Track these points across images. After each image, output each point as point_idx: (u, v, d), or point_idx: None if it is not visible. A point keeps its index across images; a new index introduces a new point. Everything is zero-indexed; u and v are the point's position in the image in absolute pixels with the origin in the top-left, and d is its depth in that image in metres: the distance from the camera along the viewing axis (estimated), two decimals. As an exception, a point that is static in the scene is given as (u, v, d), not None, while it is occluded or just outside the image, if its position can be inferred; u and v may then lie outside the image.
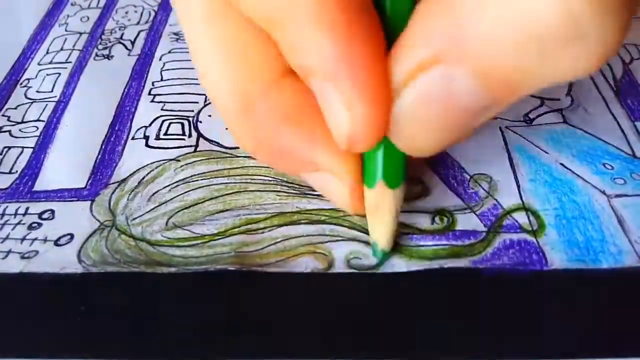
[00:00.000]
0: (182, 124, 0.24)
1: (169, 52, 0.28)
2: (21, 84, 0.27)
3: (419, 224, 0.20)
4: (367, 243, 0.19)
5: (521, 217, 0.20)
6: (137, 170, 0.22)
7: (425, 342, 0.17)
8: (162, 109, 0.25)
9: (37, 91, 0.26)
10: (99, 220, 0.20)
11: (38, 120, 0.25)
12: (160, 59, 0.28)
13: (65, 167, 0.23)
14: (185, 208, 0.21)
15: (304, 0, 0.13)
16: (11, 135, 0.24)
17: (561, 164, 0.21)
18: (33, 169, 0.23)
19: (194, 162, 0.22)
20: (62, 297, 0.18)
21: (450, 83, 0.13)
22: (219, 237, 0.20)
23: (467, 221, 0.20)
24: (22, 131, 0.24)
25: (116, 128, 0.24)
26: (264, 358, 0.17)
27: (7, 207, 0.21)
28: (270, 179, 0.22)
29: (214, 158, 0.23)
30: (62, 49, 0.29)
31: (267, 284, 0.18)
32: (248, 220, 0.20)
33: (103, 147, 0.23)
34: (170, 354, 0.17)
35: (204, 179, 0.22)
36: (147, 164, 0.22)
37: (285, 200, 0.21)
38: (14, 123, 0.25)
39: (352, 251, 0.19)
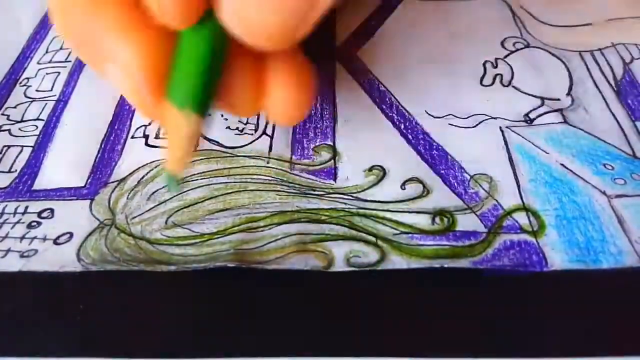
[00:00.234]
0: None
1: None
2: (21, 82, 0.27)
3: (419, 224, 0.20)
4: (367, 242, 0.19)
5: (521, 218, 0.20)
6: (137, 169, 0.22)
7: (425, 341, 0.17)
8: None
9: (37, 90, 0.26)
10: (98, 219, 0.20)
11: (37, 119, 0.25)
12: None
13: (65, 166, 0.23)
14: (185, 207, 0.21)
15: None
16: (11, 134, 0.24)
17: (561, 164, 0.21)
18: (32, 167, 0.23)
19: (193, 161, 0.22)
20: (61, 296, 0.18)
21: None
22: (219, 236, 0.20)
23: (467, 222, 0.20)
24: (21, 130, 0.24)
25: (115, 127, 0.24)
26: (264, 356, 0.16)
27: (6, 205, 0.21)
28: (270, 178, 0.22)
29: (213, 157, 0.23)
30: (61, 48, 0.29)
31: (266, 281, 0.18)
32: (248, 219, 0.20)
33: (102, 146, 0.23)
34: (169, 352, 0.17)
35: (204, 178, 0.22)
36: (147, 163, 0.22)
37: (285, 199, 0.21)
38: (13, 122, 0.25)
39: (352, 250, 0.19)
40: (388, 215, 0.20)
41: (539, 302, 0.17)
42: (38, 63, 0.28)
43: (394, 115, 0.24)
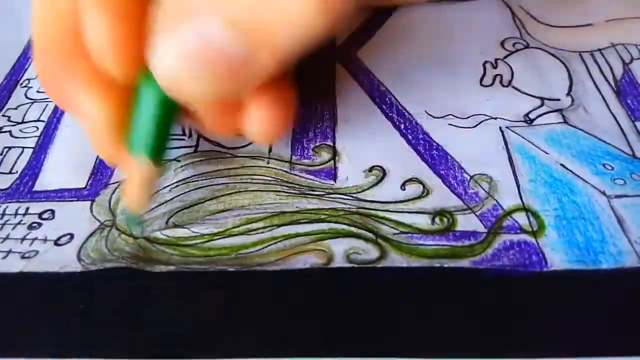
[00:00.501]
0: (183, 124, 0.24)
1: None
2: (21, 84, 0.27)
3: (419, 224, 0.20)
4: (366, 239, 0.19)
5: (521, 218, 0.20)
6: (137, 170, 0.22)
7: (425, 341, 0.17)
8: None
9: (38, 91, 0.26)
10: (99, 220, 0.21)
11: (38, 120, 0.25)
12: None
13: (66, 167, 0.23)
14: (186, 208, 0.21)
15: None
16: (11, 135, 0.24)
17: (561, 164, 0.21)
18: (33, 169, 0.23)
19: (194, 162, 0.22)
20: (62, 297, 0.18)
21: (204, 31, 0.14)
22: (219, 236, 0.20)
23: (467, 222, 0.20)
24: (22, 131, 0.24)
25: (116, 128, 0.24)
26: (264, 356, 0.17)
27: (7, 207, 0.21)
28: (270, 179, 0.22)
29: (214, 158, 0.23)
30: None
31: (266, 281, 0.18)
32: (248, 220, 0.20)
33: (103, 147, 0.23)
34: (169, 352, 0.17)
35: (205, 179, 0.22)
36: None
37: (285, 200, 0.21)
38: (14, 123, 0.25)
39: (351, 246, 0.19)
40: (388, 215, 0.20)
41: (538, 302, 0.17)
42: (39, 64, 0.28)
43: (393, 115, 0.24)
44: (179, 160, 0.22)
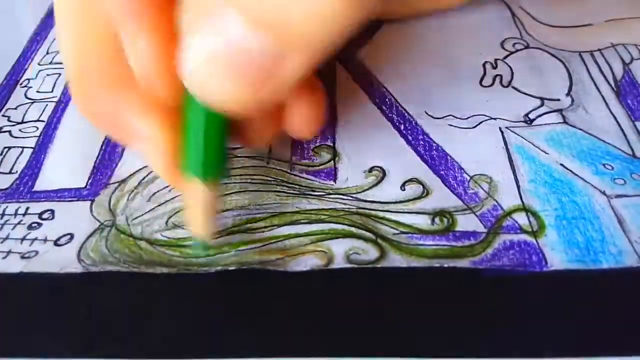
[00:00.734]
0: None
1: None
2: (21, 84, 0.27)
3: (419, 224, 0.20)
4: (366, 240, 0.19)
5: (521, 218, 0.20)
6: (137, 170, 0.22)
7: (425, 341, 0.17)
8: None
9: (37, 91, 0.26)
10: (99, 220, 0.21)
11: (38, 120, 0.25)
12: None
13: (65, 167, 0.23)
14: (185, 208, 0.21)
15: None
16: (11, 135, 0.24)
17: (561, 164, 0.21)
18: (33, 169, 0.23)
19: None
20: (62, 297, 0.18)
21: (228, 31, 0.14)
22: (219, 237, 0.20)
23: (467, 222, 0.20)
24: (22, 131, 0.24)
25: (116, 128, 0.24)
26: (264, 356, 0.17)
27: (7, 207, 0.21)
28: (270, 179, 0.22)
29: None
30: (62, 49, 0.29)
31: (266, 281, 0.18)
32: (248, 220, 0.20)
33: (103, 147, 0.23)
34: (170, 353, 0.17)
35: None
36: (147, 164, 0.22)
37: (285, 200, 0.21)
38: (14, 123, 0.25)
39: (351, 247, 0.19)
40: (388, 215, 0.20)
41: (538, 302, 0.17)
42: (39, 64, 0.28)
43: (393, 115, 0.24)
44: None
